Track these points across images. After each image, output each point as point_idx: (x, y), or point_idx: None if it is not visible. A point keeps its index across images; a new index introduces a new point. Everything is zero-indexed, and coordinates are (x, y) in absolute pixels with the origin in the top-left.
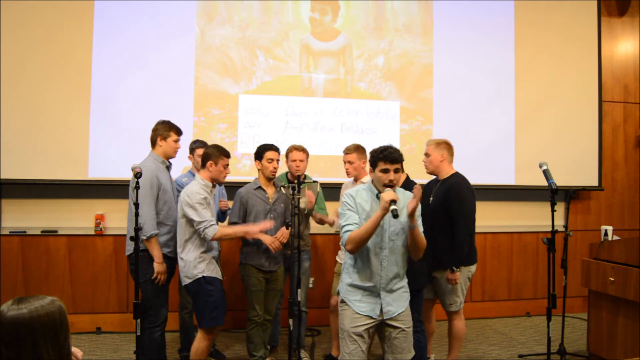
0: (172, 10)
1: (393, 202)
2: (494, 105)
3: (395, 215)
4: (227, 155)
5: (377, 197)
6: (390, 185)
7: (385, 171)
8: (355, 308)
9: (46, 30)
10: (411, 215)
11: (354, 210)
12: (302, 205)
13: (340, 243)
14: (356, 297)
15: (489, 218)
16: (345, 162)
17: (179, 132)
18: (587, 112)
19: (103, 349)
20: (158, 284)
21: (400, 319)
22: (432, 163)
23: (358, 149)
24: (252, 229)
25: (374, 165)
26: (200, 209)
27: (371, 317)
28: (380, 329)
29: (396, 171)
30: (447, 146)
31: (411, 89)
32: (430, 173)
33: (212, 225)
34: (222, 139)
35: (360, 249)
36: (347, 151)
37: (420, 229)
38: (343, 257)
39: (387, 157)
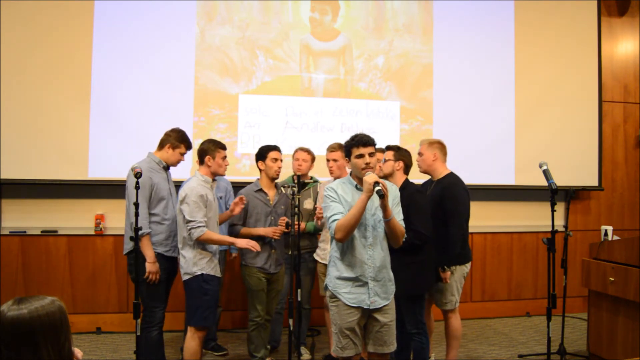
0: (172, 10)
1: (376, 183)
2: (494, 105)
3: (382, 195)
4: (223, 147)
5: (357, 188)
6: (367, 168)
7: (361, 156)
8: (346, 300)
9: (46, 30)
10: (384, 209)
11: (337, 201)
12: (307, 206)
13: (329, 234)
14: (345, 289)
15: (489, 218)
16: (329, 161)
17: (188, 147)
18: (587, 112)
19: (103, 349)
20: (150, 283)
21: (385, 311)
22: (425, 162)
23: (342, 147)
24: (240, 242)
25: (349, 154)
26: (193, 207)
27: (362, 308)
28: (366, 320)
29: (371, 155)
30: (439, 146)
31: (411, 89)
32: (424, 172)
33: (199, 227)
34: (222, 139)
35: (349, 237)
36: (332, 149)
37: (399, 217)
38: (322, 256)
39: (359, 141)
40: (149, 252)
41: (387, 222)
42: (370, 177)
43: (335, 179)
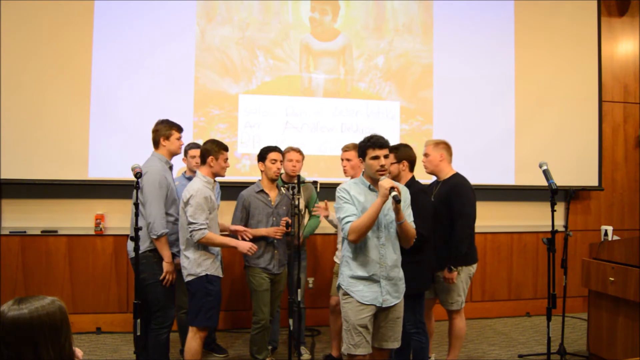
0: (172, 10)
1: (392, 188)
2: (494, 105)
3: (398, 201)
4: (226, 149)
5: (370, 188)
6: (382, 170)
7: (376, 158)
8: (359, 298)
9: (46, 30)
10: (397, 213)
11: (350, 203)
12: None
13: (342, 235)
14: (358, 287)
15: (489, 218)
16: (343, 160)
17: (180, 129)
18: (587, 112)
19: (103, 349)
20: (167, 285)
21: (394, 309)
22: (431, 163)
23: (356, 147)
24: (242, 245)
25: (363, 155)
26: (196, 208)
27: (375, 305)
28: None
29: (386, 157)
30: (445, 146)
31: (411, 89)
32: (430, 173)
33: (200, 229)
34: (222, 139)
35: (362, 238)
36: (346, 149)
37: (410, 219)
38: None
39: (375, 143)
40: (166, 253)
41: (400, 225)
42: (386, 182)
43: (351, 177)
